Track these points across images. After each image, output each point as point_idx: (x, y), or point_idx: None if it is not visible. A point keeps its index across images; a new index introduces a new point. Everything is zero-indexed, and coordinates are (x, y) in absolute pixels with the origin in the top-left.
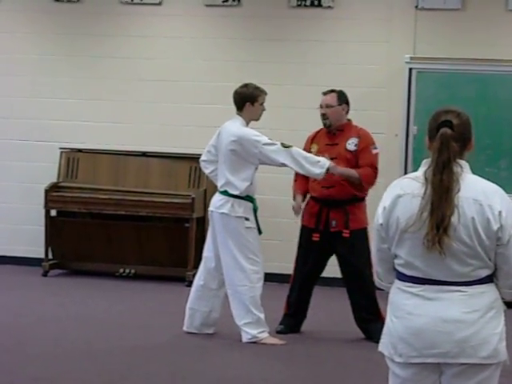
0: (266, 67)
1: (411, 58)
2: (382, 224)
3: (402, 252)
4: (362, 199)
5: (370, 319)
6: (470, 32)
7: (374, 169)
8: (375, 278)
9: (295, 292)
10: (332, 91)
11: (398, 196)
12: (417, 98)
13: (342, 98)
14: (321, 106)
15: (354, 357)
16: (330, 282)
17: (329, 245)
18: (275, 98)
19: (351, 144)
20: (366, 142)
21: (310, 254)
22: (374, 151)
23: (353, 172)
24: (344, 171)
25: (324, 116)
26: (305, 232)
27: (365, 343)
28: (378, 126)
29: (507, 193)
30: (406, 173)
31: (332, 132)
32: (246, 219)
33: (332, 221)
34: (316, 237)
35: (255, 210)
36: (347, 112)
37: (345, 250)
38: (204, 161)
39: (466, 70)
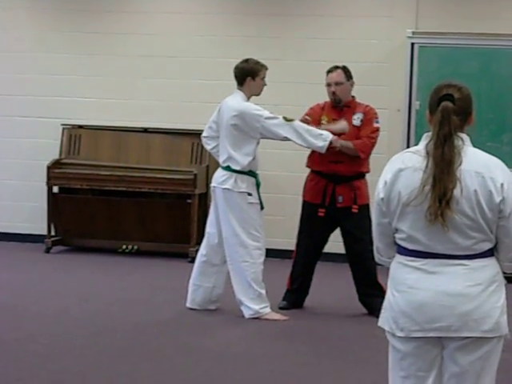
0: (267, 42)
1: (413, 33)
2: (382, 198)
3: (403, 226)
4: (364, 175)
5: (373, 294)
6: (472, 6)
7: (371, 139)
8: (375, 253)
9: (298, 268)
10: (337, 67)
11: (399, 170)
12: (419, 73)
13: (348, 74)
14: (329, 85)
15: (357, 332)
16: (333, 257)
17: (333, 220)
18: (277, 74)
19: (357, 119)
20: (369, 116)
21: (315, 229)
22: (376, 125)
23: (349, 143)
24: (343, 143)
25: (334, 94)
26: (309, 208)
27: (367, 318)
28: (380, 101)
29: (510, 167)
30: (408, 147)
31: (339, 108)
32: (249, 194)
33: (338, 196)
34: (321, 212)
35: (258, 185)
36: (352, 87)
37: (351, 226)
38: (205, 137)
39: (469, 44)
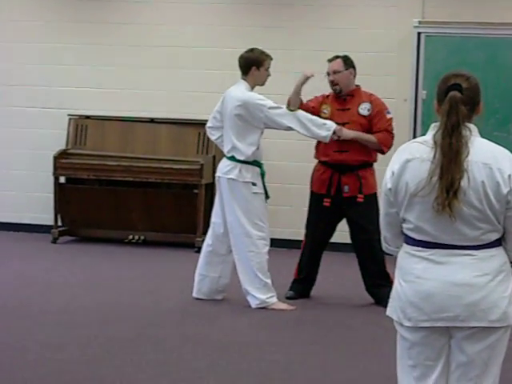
0: (274, 32)
1: (420, 23)
2: (390, 189)
3: (411, 216)
4: (371, 164)
5: (380, 284)
6: None
7: (390, 133)
8: (382, 242)
9: (305, 258)
10: (337, 57)
11: (406, 160)
12: (426, 62)
13: (348, 63)
14: (328, 74)
15: (364, 322)
16: (340, 247)
17: (340, 210)
18: (283, 63)
19: (364, 109)
20: (379, 107)
21: (321, 219)
22: (389, 116)
23: (370, 137)
24: (360, 135)
25: (333, 83)
26: (315, 198)
27: (374, 308)
28: (386, 90)
29: None
30: (415, 137)
31: (342, 97)
32: (253, 184)
33: (344, 186)
34: (327, 202)
35: (263, 175)
36: (355, 76)
37: (357, 215)
38: (210, 127)
39: (476, 34)
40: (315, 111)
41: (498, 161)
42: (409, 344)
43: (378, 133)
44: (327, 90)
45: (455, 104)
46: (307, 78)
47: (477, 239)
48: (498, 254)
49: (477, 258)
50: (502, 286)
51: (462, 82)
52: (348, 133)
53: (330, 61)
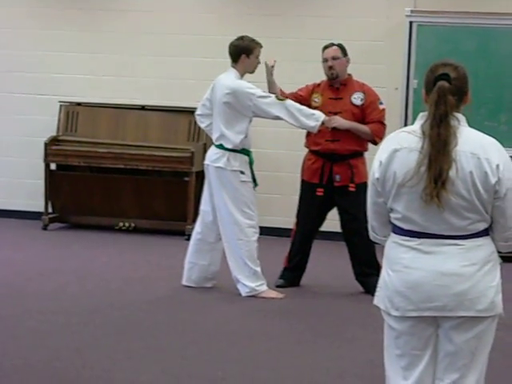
0: (264, 20)
1: (412, 12)
2: (378, 178)
3: (399, 206)
4: (362, 153)
5: (369, 273)
6: None
7: (383, 124)
8: (370, 231)
9: (296, 246)
10: (332, 44)
11: (394, 150)
12: (417, 51)
13: (344, 51)
14: (326, 60)
15: (353, 310)
16: (330, 236)
17: (331, 199)
18: (274, 52)
19: (357, 99)
20: (372, 97)
21: (313, 208)
22: (381, 106)
23: (364, 128)
24: (355, 126)
25: (331, 68)
26: (307, 187)
27: (364, 297)
28: (378, 79)
29: (507, 146)
30: (406, 126)
31: (335, 86)
32: (242, 173)
33: (336, 175)
34: (320, 191)
35: (251, 163)
36: (348, 64)
37: (348, 204)
38: (199, 115)
39: (468, 23)
40: (304, 100)
41: (486, 151)
42: (396, 333)
43: (371, 123)
44: (319, 78)
45: (443, 94)
46: (270, 68)
47: (464, 229)
48: (485, 243)
49: (464, 247)
50: (489, 275)
51: (450, 72)
52: (343, 122)
53: (326, 47)
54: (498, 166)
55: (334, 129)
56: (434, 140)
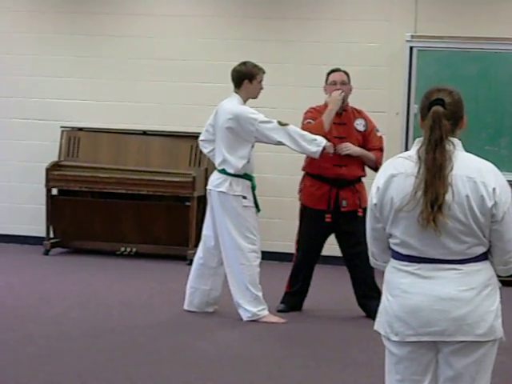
0: (266, 46)
1: (412, 37)
2: (376, 204)
3: (397, 231)
4: (361, 178)
5: (371, 296)
6: (471, 10)
7: (383, 151)
8: (370, 257)
9: (298, 270)
10: (339, 70)
11: (391, 176)
12: (418, 76)
13: (349, 78)
14: (334, 83)
15: (355, 335)
16: (330, 260)
17: (336, 224)
18: (275, 77)
19: (359, 125)
20: (372, 124)
21: (319, 235)
22: (379, 134)
23: (371, 154)
24: (364, 153)
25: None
26: (312, 214)
27: (365, 321)
28: (378, 104)
29: (508, 171)
30: (407, 151)
31: (338, 112)
32: (244, 198)
33: (342, 200)
34: (329, 218)
35: (253, 188)
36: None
37: (356, 229)
38: (202, 140)
39: (468, 48)
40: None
41: (482, 174)
42: (396, 359)
43: (372, 150)
44: (320, 102)
45: (438, 119)
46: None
47: (462, 253)
48: (484, 268)
49: (462, 272)
50: (488, 300)
51: (445, 97)
52: (356, 150)
53: (333, 71)
54: (494, 189)
55: (342, 154)
56: (429, 165)
